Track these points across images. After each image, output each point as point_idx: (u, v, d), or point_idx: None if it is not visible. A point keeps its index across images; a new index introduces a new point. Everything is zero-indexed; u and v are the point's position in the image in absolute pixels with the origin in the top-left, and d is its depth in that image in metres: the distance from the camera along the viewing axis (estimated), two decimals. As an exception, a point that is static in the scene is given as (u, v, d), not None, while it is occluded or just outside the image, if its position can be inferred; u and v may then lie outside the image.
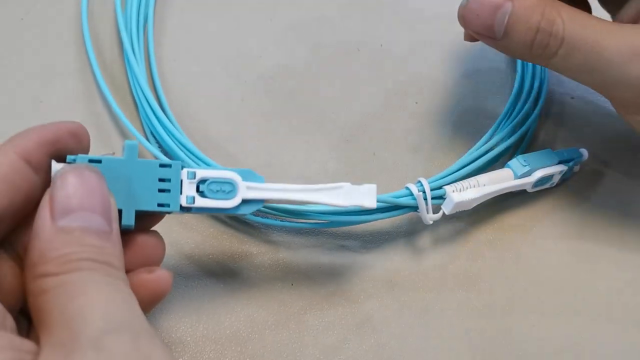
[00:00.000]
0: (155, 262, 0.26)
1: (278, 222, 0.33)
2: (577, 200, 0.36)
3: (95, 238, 0.22)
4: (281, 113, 0.38)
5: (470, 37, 0.34)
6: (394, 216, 0.33)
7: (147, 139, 0.35)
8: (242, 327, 0.31)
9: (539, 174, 0.32)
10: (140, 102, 0.36)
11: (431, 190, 0.32)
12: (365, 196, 0.29)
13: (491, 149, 0.35)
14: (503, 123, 0.36)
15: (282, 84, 0.39)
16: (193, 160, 0.33)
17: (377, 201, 0.30)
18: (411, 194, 0.32)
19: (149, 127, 0.35)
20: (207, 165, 0.33)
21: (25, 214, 0.23)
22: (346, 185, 0.29)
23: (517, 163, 0.33)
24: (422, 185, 0.32)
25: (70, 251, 0.21)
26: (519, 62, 0.39)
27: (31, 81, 0.38)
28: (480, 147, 0.35)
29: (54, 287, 0.21)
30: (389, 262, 0.34)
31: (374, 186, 0.29)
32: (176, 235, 0.33)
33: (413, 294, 0.33)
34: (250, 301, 0.32)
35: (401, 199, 0.32)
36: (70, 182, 0.23)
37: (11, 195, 0.23)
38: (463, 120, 0.39)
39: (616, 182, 0.37)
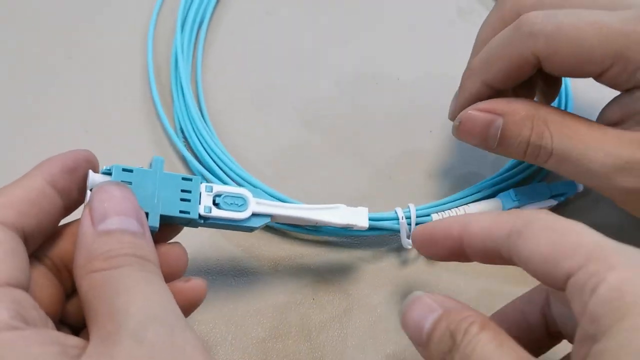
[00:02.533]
0: (178, 271, 0.28)
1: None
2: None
3: (132, 236, 0.25)
4: (305, 136, 0.41)
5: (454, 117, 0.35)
6: (376, 234, 0.35)
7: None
8: (267, 336, 0.34)
9: (529, 208, 0.34)
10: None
11: (420, 216, 0.34)
12: (359, 217, 0.32)
13: (497, 183, 0.37)
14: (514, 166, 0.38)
15: (307, 108, 0.42)
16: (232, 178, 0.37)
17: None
18: (397, 217, 0.34)
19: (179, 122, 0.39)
20: (252, 184, 0.37)
21: (51, 232, 0.26)
22: (342, 206, 0.32)
23: (508, 197, 0.34)
24: (409, 210, 0.34)
25: (112, 247, 0.24)
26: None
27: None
28: (488, 180, 0.37)
29: (101, 282, 0.23)
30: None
31: (366, 209, 0.32)
32: (204, 250, 0.36)
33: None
34: (275, 314, 0.34)
35: (386, 222, 0.34)
36: (104, 193, 0.25)
37: (40, 217, 0.25)
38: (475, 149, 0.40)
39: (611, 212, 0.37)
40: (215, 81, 0.42)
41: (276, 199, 0.35)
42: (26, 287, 0.24)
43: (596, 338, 0.22)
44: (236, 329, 0.34)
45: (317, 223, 0.32)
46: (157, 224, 0.28)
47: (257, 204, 0.30)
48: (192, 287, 0.28)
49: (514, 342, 0.24)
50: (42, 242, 0.26)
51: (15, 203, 0.25)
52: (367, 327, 0.34)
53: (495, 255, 0.27)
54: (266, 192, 0.35)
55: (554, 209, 0.36)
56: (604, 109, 0.33)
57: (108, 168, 0.28)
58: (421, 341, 0.27)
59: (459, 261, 0.29)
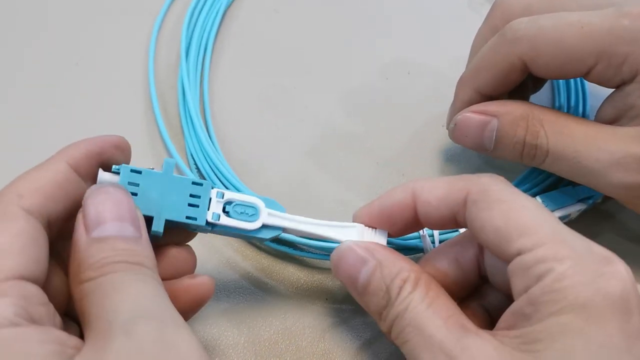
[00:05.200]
0: (186, 274, 0.29)
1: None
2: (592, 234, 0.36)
3: (126, 243, 0.24)
4: (315, 139, 0.40)
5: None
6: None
7: (189, 163, 0.38)
8: (279, 339, 0.33)
9: (556, 214, 0.33)
10: (188, 125, 0.39)
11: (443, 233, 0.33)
12: (376, 239, 0.30)
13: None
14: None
15: (317, 113, 0.41)
16: (224, 184, 0.36)
17: (387, 243, 0.30)
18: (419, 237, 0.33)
19: (190, 151, 0.38)
20: (238, 189, 0.36)
21: (72, 219, 0.26)
22: (359, 226, 0.30)
23: (535, 204, 0.33)
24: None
25: (105, 256, 0.24)
26: (557, 92, 0.39)
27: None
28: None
29: (93, 289, 0.23)
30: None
31: (385, 232, 0.30)
32: (216, 254, 0.35)
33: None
34: (287, 315, 0.34)
35: (410, 241, 0.33)
36: (98, 199, 0.25)
37: (63, 201, 0.25)
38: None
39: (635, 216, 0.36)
40: (223, 93, 0.42)
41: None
42: (42, 279, 0.24)
43: (530, 321, 0.24)
44: (248, 331, 0.33)
45: (330, 240, 0.31)
46: (161, 229, 0.27)
47: (268, 215, 0.29)
48: (199, 283, 0.28)
49: (444, 298, 0.26)
50: (64, 229, 0.26)
51: (40, 188, 0.25)
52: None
53: (450, 221, 0.28)
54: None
55: (583, 216, 0.35)
56: (599, 109, 0.32)
57: (117, 168, 0.27)
58: (356, 292, 0.28)
59: (412, 232, 0.30)
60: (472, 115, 0.33)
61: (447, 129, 0.35)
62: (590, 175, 0.30)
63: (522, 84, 0.34)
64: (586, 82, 0.40)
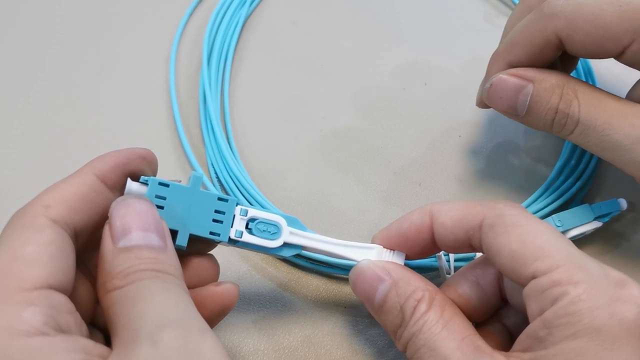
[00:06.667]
0: (210, 282, 0.29)
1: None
2: (608, 248, 0.37)
3: (152, 252, 0.25)
4: (333, 149, 0.41)
5: (482, 104, 0.35)
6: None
7: (211, 179, 0.39)
8: (299, 346, 0.34)
9: (573, 232, 0.34)
10: (210, 139, 0.39)
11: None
12: (394, 260, 0.30)
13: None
14: (559, 178, 0.37)
15: (334, 123, 0.42)
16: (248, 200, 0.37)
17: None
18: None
19: (210, 160, 0.39)
20: (260, 203, 0.36)
21: (99, 230, 0.26)
22: (377, 247, 0.31)
23: (552, 223, 0.34)
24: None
25: (131, 264, 0.24)
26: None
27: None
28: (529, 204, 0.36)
29: (119, 298, 0.24)
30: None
31: (403, 254, 0.30)
32: (238, 263, 0.36)
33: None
34: (307, 323, 0.34)
35: (427, 260, 0.34)
36: (123, 210, 0.25)
37: (90, 212, 0.26)
38: (504, 152, 0.40)
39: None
40: (244, 107, 0.42)
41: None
42: (69, 289, 0.24)
43: (545, 344, 0.24)
44: (268, 338, 0.33)
45: (348, 259, 0.31)
46: (185, 244, 0.28)
47: (290, 234, 0.30)
48: (223, 290, 0.28)
49: (460, 318, 0.27)
50: (92, 239, 0.26)
51: (67, 199, 0.25)
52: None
53: (465, 244, 0.28)
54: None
55: (599, 230, 0.36)
56: (630, 90, 0.33)
57: (145, 179, 0.28)
58: (373, 310, 0.29)
59: (430, 255, 0.30)
60: (509, 78, 0.32)
61: (477, 106, 0.36)
62: (618, 149, 0.30)
63: (552, 65, 0.34)
64: (595, 75, 0.41)
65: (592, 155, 0.38)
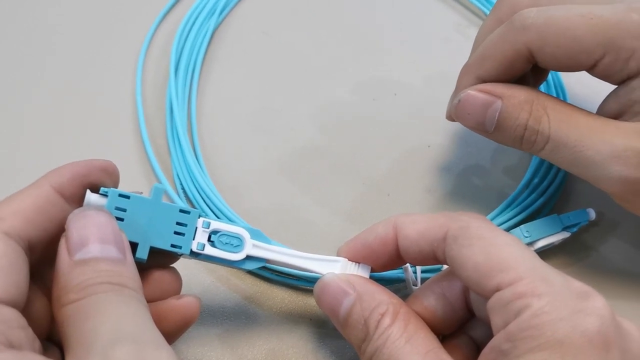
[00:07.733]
0: (172, 295, 0.28)
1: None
2: (575, 259, 0.37)
3: (110, 264, 0.24)
4: (301, 160, 0.40)
5: (452, 118, 0.34)
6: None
7: (176, 188, 0.38)
8: (264, 359, 0.33)
9: (540, 243, 0.33)
10: (175, 148, 0.39)
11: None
12: (359, 273, 0.30)
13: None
14: (523, 193, 0.37)
15: (303, 134, 0.41)
16: (211, 209, 0.36)
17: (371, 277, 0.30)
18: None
19: (176, 172, 0.38)
20: (226, 216, 0.36)
21: (56, 243, 0.25)
22: (342, 260, 0.30)
23: (519, 233, 0.34)
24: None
25: (87, 277, 0.23)
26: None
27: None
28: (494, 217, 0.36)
29: (74, 312, 0.23)
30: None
31: (369, 267, 0.30)
32: (202, 275, 0.35)
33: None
34: (271, 335, 0.34)
35: (394, 271, 0.33)
36: (81, 222, 0.25)
37: (46, 225, 0.25)
38: (474, 163, 0.40)
39: (626, 237, 0.37)
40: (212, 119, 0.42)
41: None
42: (21, 303, 0.23)
43: (508, 357, 0.23)
44: (232, 351, 0.33)
45: (313, 272, 0.31)
46: (145, 256, 0.27)
47: (253, 247, 0.29)
48: (184, 304, 0.28)
49: (424, 332, 0.27)
50: (48, 253, 0.26)
51: (21, 211, 0.24)
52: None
53: (430, 257, 0.28)
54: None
55: (567, 240, 0.35)
56: (601, 104, 0.32)
57: (105, 191, 0.27)
58: (338, 324, 0.29)
59: (395, 267, 0.30)
60: (477, 94, 0.32)
61: (446, 119, 0.35)
62: (590, 165, 0.30)
63: (523, 78, 0.34)
64: (567, 91, 0.41)
65: (559, 170, 0.38)
